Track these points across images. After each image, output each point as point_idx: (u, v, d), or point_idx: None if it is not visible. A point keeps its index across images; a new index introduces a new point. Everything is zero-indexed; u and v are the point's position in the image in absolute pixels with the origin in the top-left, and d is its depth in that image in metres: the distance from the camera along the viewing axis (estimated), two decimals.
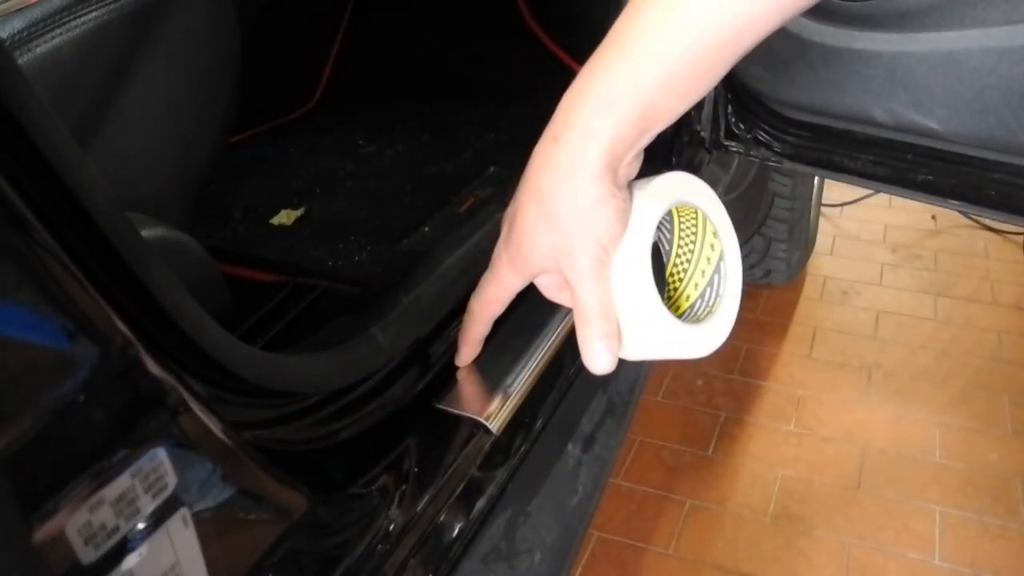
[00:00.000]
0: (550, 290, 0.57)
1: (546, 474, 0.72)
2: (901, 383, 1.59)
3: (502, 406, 0.64)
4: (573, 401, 0.75)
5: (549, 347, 0.70)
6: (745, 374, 1.63)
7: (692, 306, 0.58)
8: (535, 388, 0.68)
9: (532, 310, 0.70)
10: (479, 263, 0.71)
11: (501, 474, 0.64)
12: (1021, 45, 0.66)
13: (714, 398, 1.58)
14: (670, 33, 0.47)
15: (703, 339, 0.55)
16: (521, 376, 0.67)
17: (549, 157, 0.51)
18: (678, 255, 0.60)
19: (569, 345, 0.75)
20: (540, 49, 1.50)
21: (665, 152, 1.00)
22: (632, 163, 0.51)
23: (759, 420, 1.53)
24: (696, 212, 0.57)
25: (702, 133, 1.04)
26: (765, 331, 1.74)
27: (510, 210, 0.55)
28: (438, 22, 1.57)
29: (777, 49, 0.86)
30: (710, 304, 0.57)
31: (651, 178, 0.54)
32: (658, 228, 0.60)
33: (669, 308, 0.60)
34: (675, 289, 0.60)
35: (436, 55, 1.57)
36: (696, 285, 0.58)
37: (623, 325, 0.53)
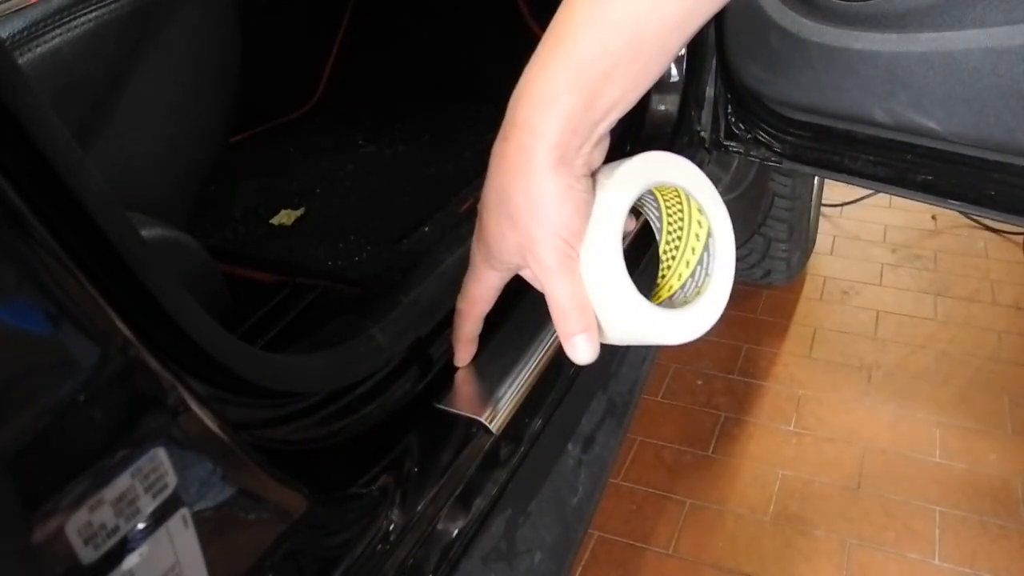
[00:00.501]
0: (536, 282, 0.57)
1: (546, 474, 0.72)
2: (901, 383, 1.59)
3: (502, 406, 0.64)
4: (573, 401, 0.75)
5: (549, 347, 0.70)
6: (745, 374, 1.63)
7: (683, 286, 0.57)
8: (535, 388, 0.68)
9: (532, 310, 0.70)
10: None
11: (501, 474, 0.64)
12: (1020, 45, 0.66)
13: (714, 398, 1.58)
14: (610, 23, 0.46)
15: (687, 323, 0.54)
16: (521, 376, 0.67)
17: (502, 156, 0.51)
18: (668, 232, 0.59)
19: None
20: None
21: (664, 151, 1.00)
22: (593, 152, 0.50)
23: (759, 420, 1.53)
24: (678, 191, 0.55)
25: (702, 133, 1.04)
26: (765, 331, 1.74)
27: (479, 206, 0.55)
28: (438, 22, 1.57)
29: (777, 49, 0.86)
30: (699, 283, 0.56)
31: (620, 162, 0.53)
32: (646, 208, 0.59)
33: (660, 289, 0.59)
34: (668, 267, 0.59)
35: (436, 55, 1.57)
36: (687, 263, 0.57)
37: (600, 315, 0.52)
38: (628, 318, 0.52)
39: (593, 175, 0.52)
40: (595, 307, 0.52)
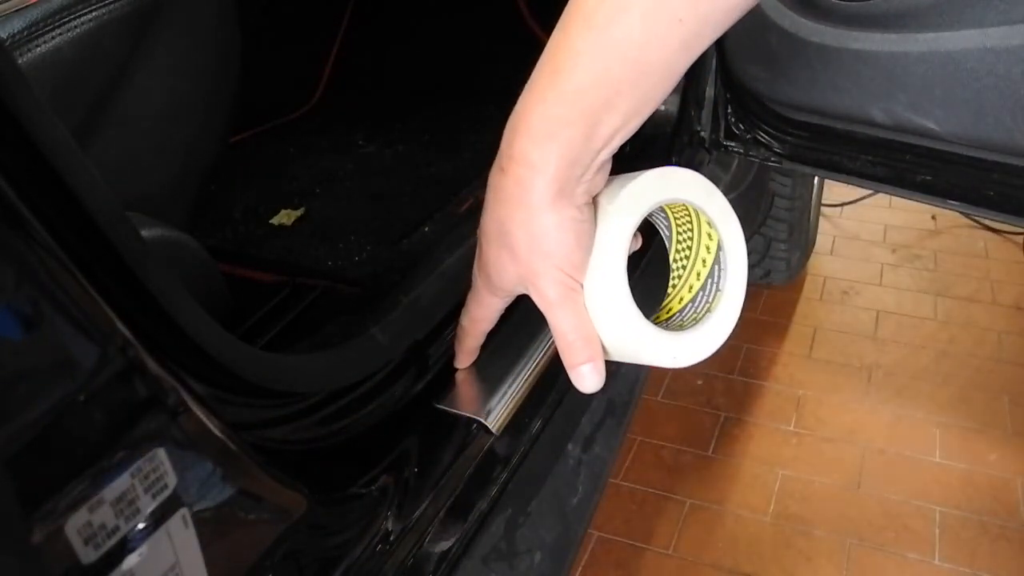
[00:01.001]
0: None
1: (546, 474, 0.72)
2: (901, 383, 1.59)
3: (502, 406, 0.64)
4: (573, 401, 0.75)
5: (549, 347, 0.70)
6: (745, 374, 1.63)
7: (694, 298, 0.57)
8: (535, 388, 0.68)
9: (532, 310, 0.69)
10: None
11: (501, 474, 0.64)
12: (1018, 45, 0.66)
13: (714, 398, 1.58)
14: (610, 51, 0.44)
15: (695, 345, 0.53)
16: (521, 376, 0.67)
17: (500, 188, 0.49)
18: (679, 242, 0.58)
19: None
20: (540, 49, 1.50)
21: (665, 152, 1.01)
22: (594, 178, 0.49)
23: (759, 420, 1.53)
24: (686, 206, 0.55)
25: (702, 133, 1.04)
26: (765, 331, 1.74)
27: (479, 233, 0.54)
28: (438, 22, 1.57)
29: (776, 49, 0.86)
30: (710, 298, 0.56)
31: (624, 181, 0.51)
32: (655, 218, 0.58)
33: (670, 301, 0.58)
34: (679, 277, 0.58)
35: (436, 55, 1.57)
36: (698, 275, 0.57)
37: (606, 341, 0.52)
38: (635, 345, 0.51)
39: (595, 198, 0.51)
40: (600, 333, 0.51)
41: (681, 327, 0.55)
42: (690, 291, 0.57)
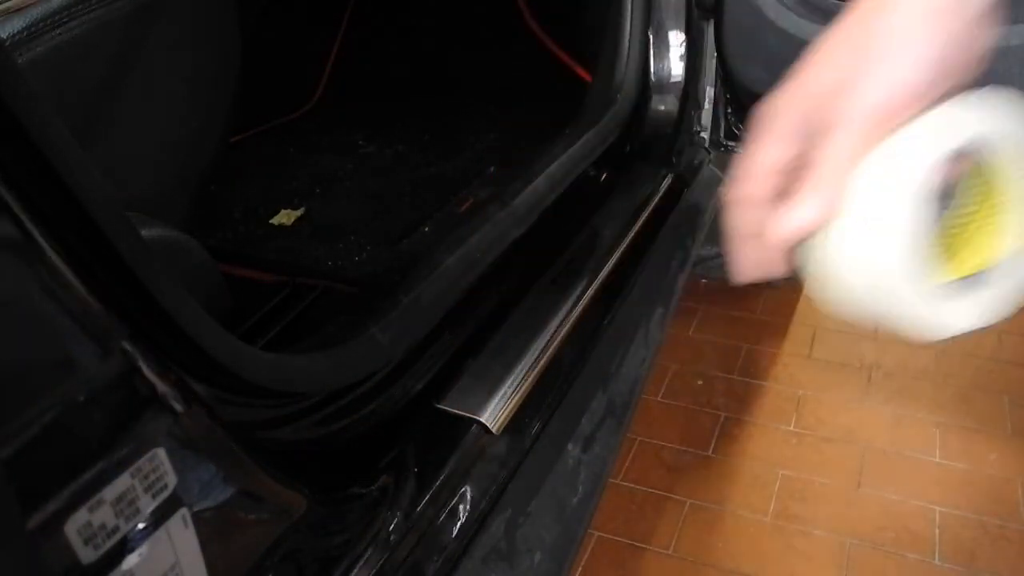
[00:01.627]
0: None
1: (546, 474, 0.72)
2: (901, 383, 1.59)
3: (502, 406, 0.64)
4: (573, 401, 0.75)
5: (549, 347, 0.70)
6: (745, 374, 1.63)
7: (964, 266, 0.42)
8: (535, 388, 0.68)
9: (532, 310, 0.70)
10: (479, 263, 0.71)
11: (501, 474, 0.64)
12: (1018, 45, 0.66)
13: (714, 398, 1.58)
14: None
15: (956, 313, 0.40)
16: (521, 376, 0.67)
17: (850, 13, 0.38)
18: (965, 196, 0.42)
19: (568, 345, 0.75)
20: (540, 49, 1.50)
21: (665, 152, 1.01)
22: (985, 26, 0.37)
23: (759, 420, 1.53)
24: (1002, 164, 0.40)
25: (702, 133, 1.04)
26: (765, 331, 1.74)
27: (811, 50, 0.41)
28: (438, 22, 1.57)
29: (776, 50, 0.86)
30: (985, 268, 0.41)
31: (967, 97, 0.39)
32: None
33: (931, 261, 0.40)
34: (955, 235, 0.42)
35: (436, 55, 1.57)
36: (982, 236, 0.42)
37: (862, 270, 0.38)
38: (897, 288, 0.38)
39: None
40: (862, 251, 0.37)
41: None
42: (963, 258, 0.42)
